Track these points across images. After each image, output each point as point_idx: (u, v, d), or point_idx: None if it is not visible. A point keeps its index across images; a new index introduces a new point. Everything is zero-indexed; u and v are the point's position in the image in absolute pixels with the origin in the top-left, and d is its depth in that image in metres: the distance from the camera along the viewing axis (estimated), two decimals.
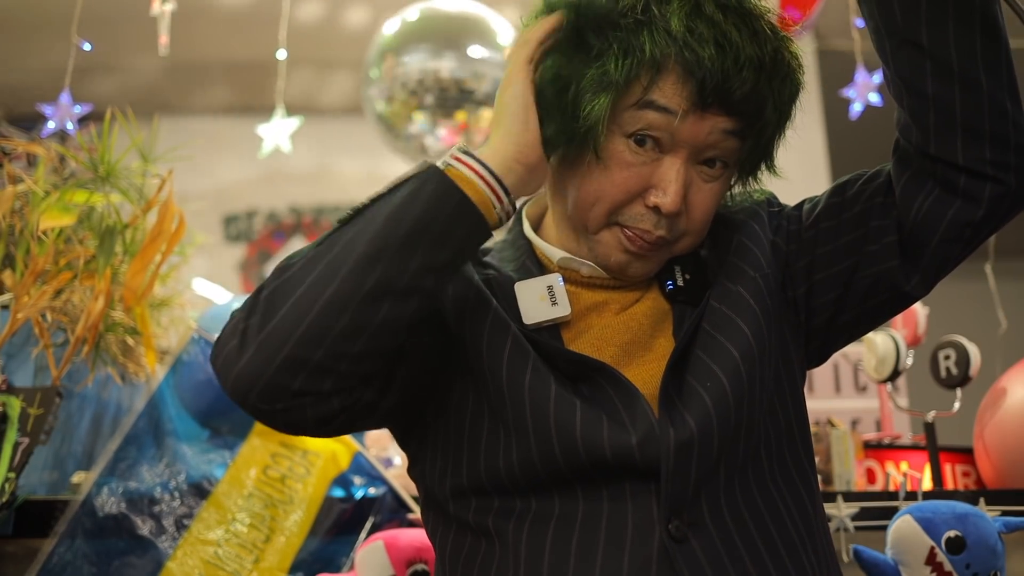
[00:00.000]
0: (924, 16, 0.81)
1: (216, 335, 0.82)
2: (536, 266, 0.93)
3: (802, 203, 0.98)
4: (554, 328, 0.89)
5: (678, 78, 0.83)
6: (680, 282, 0.92)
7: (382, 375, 0.82)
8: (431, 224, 0.78)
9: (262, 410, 0.78)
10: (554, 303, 0.89)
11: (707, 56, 0.81)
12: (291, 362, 0.75)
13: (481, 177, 0.82)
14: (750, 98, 0.84)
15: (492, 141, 0.85)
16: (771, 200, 1.00)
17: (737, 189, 0.95)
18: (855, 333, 0.99)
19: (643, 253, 0.89)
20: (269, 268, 5.19)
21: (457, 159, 0.83)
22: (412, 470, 0.95)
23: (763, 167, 0.93)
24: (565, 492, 0.83)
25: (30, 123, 1.67)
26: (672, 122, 0.83)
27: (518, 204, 0.97)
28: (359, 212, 0.80)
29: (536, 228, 0.98)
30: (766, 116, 0.86)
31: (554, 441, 0.83)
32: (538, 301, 0.89)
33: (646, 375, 0.88)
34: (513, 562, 0.83)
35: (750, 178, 0.94)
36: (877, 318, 0.96)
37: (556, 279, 0.91)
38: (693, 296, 0.92)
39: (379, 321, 0.76)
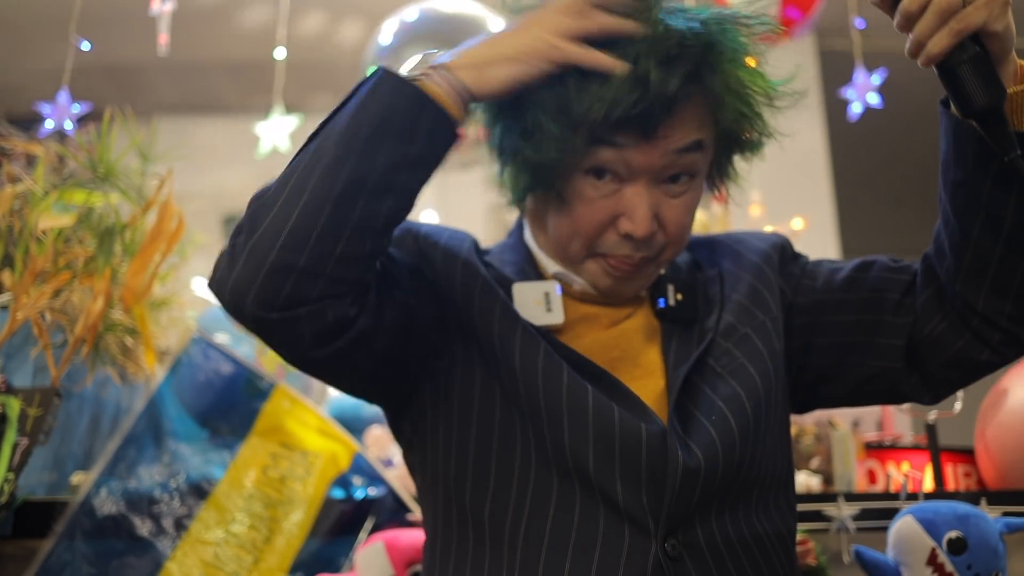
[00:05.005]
0: (992, 173, 0.81)
1: (216, 335, 0.83)
2: (535, 273, 0.95)
3: (821, 261, 1.00)
4: (548, 334, 0.90)
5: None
6: (672, 301, 0.94)
7: (370, 292, 0.81)
8: (392, 118, 0.78)
9: (260, 319, 0.78)
10: (549, 310, 0.91)
11: (635, 97, 0.80)
12: (279, 266, 0.76)
13: (434, 73, 0.80)
14: (690, 115, 0.84)
15: (460, 52, 0.83)
16: (785, 246, 1.01)
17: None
18: (841, 404, 1.02)
19: (628, 276, 0.90)
20: None
21: (411, 68, 0.82)
22: (410, 456, 0.95)
23: (734, 162, 0.93)
24: (565, 487, 0.84)
25: (29, 123, 1.67)
26: (623, 155, 0.84)
27: (519, 212, 0.98)
28: (324, 124, 0.81)
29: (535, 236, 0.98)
30: (721, 119, 0.86)
31: (564, 423, 0.83)
32: (533, 305, 0.91)
33: (639, 389, 0.88)
34: (508, 558, 0.83)
35: (727, 174, 0.94)
36: (869, 402, 1.00)
37: (553, 286, 0.92)
38: (684, 316, 0.93)
39: (356, 219, 0.77)
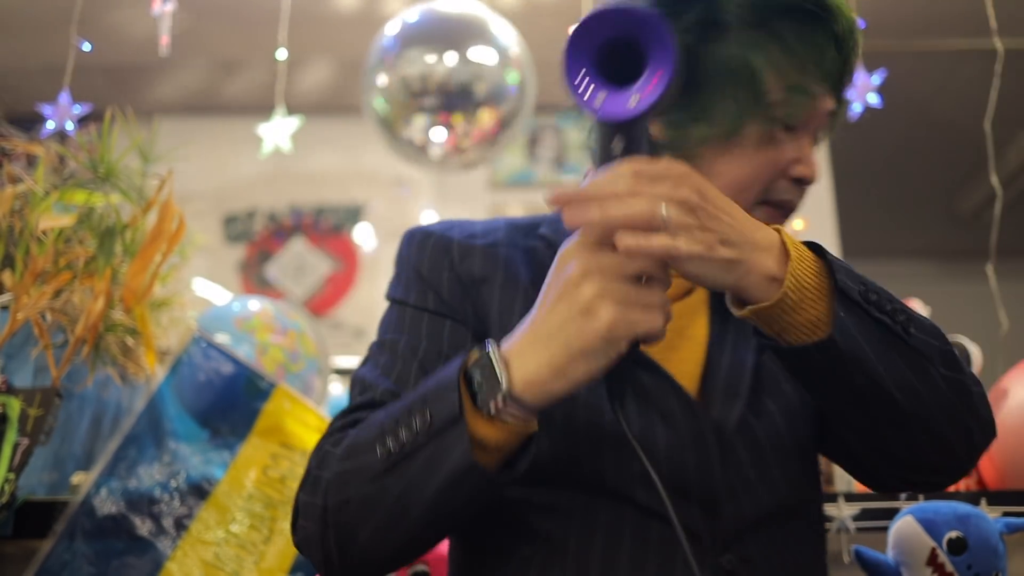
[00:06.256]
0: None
1: (216, 335, 0.83)
2: None
3: None
4: None
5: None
6: None
7: None
8: (450, 502, 0.76)
9: None
10: None
11: (834, 51, 0.87)
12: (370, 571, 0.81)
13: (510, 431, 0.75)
14: (847, 78, 0.91)
15: (523, 357, 0.73)
16: None
17: None
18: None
19: (784, 222, 0.92)
20: (269, 268, 5.22)
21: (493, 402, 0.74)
22: None
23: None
24: (607, 499, 0.83)
25: (30, 123, 1.67)
26: (815, 104, 0.88)
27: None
28: (398, 453, 0.77)
29: None
30: (845, 92, 0.93)
31: (605, 454, 0.83)
32: None
33: (685, 362, 0.89)
34: (560, 563, 0.82)
35: None
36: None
37: None
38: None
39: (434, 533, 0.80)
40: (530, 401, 0.72)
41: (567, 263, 0.71)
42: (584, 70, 0.70)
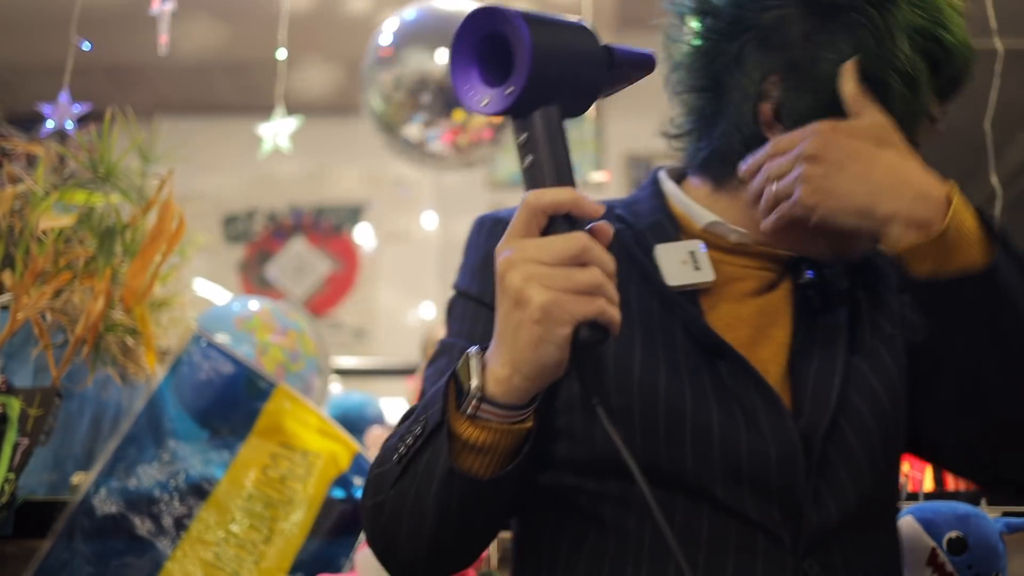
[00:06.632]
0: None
1: (216, 335, 0.84)
2: (671, 224, 0.92)
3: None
4: (693, 294, 0.88)
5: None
6: (815, 276, 0.90)
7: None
8: (448, 506, 0.77)
9: None
10: (697, 268, 0.88)
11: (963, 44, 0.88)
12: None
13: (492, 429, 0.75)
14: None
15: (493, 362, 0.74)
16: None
17: None
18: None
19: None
20: (269, 268, 5.21)
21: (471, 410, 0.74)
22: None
23: None
24: (684, 495, 0.81)
25: (30, 123, 1.67)
26: (945, 102, 0.91)
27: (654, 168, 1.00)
28: (408, 455, 0.79)
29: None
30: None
31: (688, 447, 0.81)
32: (680, 264, 0.88)
33: (767, 372, 0.86)
34: (634, 558, 0.81)
35: None
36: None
37: (698, 245, 0.89)
38: (822, 292, 0.90)
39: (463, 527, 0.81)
40: (503, 400, 0.72)
41: (497, 257, 0.71)
42: (468, 68, 0.73)
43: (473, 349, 0.75)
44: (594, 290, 0.67)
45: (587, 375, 0.73)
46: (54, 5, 2.06)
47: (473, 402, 0.73)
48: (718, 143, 0.91)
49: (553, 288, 0.67)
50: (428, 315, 4.42)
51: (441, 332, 1.81)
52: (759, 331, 0.89)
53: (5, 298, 1.39)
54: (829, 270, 0.90)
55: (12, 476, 1.21)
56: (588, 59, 0.73)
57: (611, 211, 0.94)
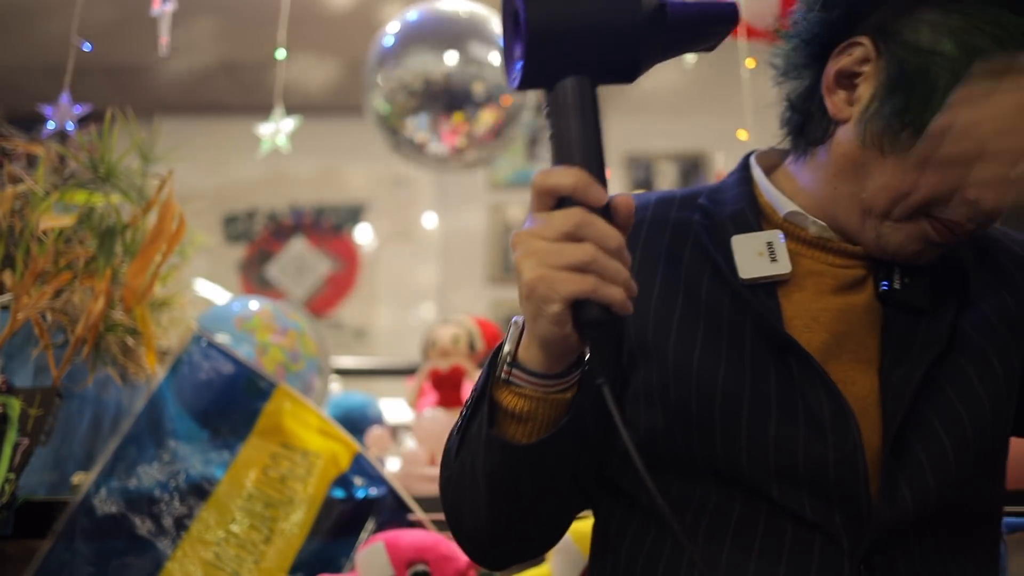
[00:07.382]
0: None
1: (217, 335, 0.84)
2: (754, 214, 0.89)
3: None
4: (771, 287, 0.84)
5: None
6: (897, 284, 0.84)
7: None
8: (493, 473, 0.79)
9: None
10: (773, 259, 0.84)
11: None
12: (495, 553, 0.89)
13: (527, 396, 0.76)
14: None
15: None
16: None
17: None
18: None
19: (945, 243, 0.82)
20: (269, 268, 5.20)
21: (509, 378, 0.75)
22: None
23: None
24: (742, 493, 0.80)
25: (30, 123, 1.67)
26: None
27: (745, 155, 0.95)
28: (467, 428, 0.81)
29: (767, 174, 0.92)
30: None
31: (743, 444, 0.79)
32: (755, 256, 0.85)
33: (852, 382, 0.82)
34: (688, 560, 0.80)
35: None
36: None
37: (777, 235, 0.85)
38: (910, 302, 0.84)
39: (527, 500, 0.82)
40: (531, 367, 0.73)
41: None
42: (509, 46, 0.73)
43: (518, 318, 0.75)
44: (583, 267, 0.65)
45: (595, 353, 0.72)
46: (54, 5, 2.06)
47: (503, 367, 0.74)
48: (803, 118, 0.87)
49: (544, 265, 0.66)
50: (428, 315, 4.42)
51: (441, 332, 1.82)
52: (838, 335, 0.84)
53: (5, 298, 1.39)
54: (910, 279, 0.84)
55: (12, 476, 1.21)
56: (613, 24, 0.68)
57: (693, 200, 0.92)
